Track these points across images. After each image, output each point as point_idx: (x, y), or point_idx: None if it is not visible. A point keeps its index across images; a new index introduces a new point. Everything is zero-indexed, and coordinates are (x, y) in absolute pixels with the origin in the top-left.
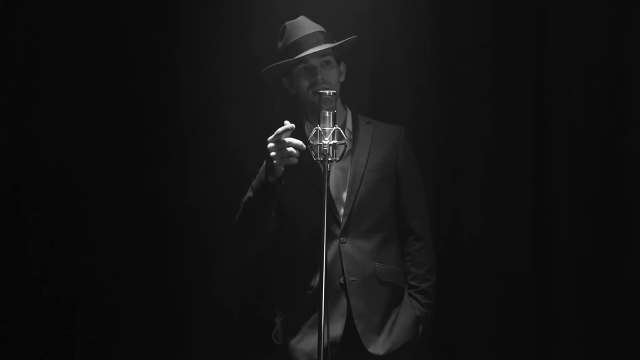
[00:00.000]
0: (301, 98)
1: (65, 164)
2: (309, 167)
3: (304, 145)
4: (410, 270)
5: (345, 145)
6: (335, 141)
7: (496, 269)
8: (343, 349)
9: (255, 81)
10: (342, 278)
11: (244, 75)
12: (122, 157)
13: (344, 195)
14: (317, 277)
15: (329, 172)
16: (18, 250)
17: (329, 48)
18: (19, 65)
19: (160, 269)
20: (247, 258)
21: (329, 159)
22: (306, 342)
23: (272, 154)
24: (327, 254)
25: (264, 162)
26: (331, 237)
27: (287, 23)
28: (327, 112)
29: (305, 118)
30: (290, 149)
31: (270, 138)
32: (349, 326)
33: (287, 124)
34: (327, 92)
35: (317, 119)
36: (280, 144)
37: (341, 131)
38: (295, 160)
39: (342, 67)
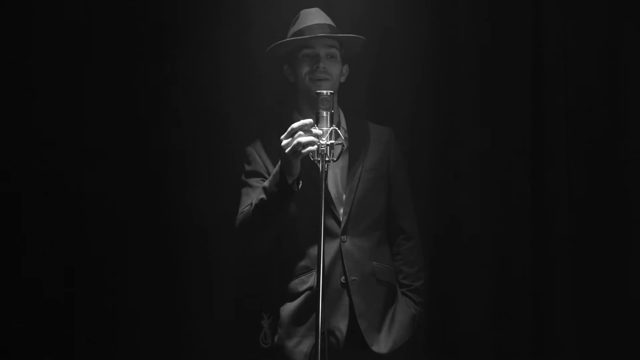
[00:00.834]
0: (298, 84)
1: (64, 164)
2: (309, 166)
3: (319, 133)
4: (402, 269)
5: (343, 145)
6: (332, 141)
7: (494, 269)
8: (347, 349)
9: (255, 81)
10: (343, 277)
11: (243, 76)
12: (122, 157)
13: (344, 194)
14: (313, 278)
15: (327, 171)
16: (18, 251)
17: (336, 41)
18: (18, 65)
19: (159, 270)
20: (252, 260)
21: (327, 158)
22: (305, 344)
23: (287, 149)
24: (327, 253)
25: (278, 163)
26: (331, 236)
27: (302, 10)
28: (325, 112)
29: (297, 111)
30: (304, 139)
31: (283, 135)
32: (352, 326)
33: (305, 120)
34: (324, 92)
35: (315, 118)
36: (294, 136)
37: (338, 131)
38: (312, 148)
39: (346, 68)
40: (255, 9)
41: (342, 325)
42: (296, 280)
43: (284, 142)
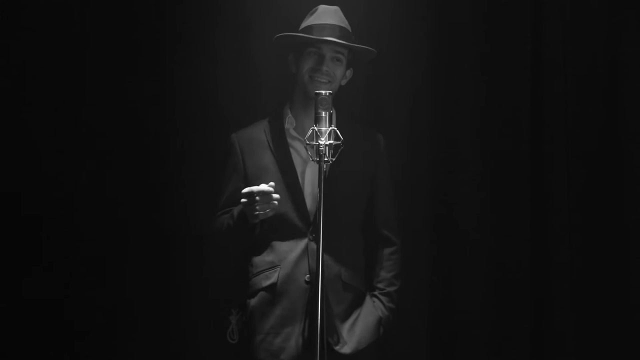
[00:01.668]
0: (298, 77)
1: (64, 165)
2: (285, 163)
3: (277, 199)
4: (379, 273)
5: (341, 145)
6: (331, 141)
7: (493, 269)
8: (307, 348)
9: (256, 81)
10: (307, 276)
11: (245, 75)
12: (121, 158)
13: (316, 195)
14: (278, 275)
15: (295, 173)
16: (17, 251)
17: (346, 47)
18: (17, 65)
19: (158, 270)
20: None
21: (325, 159)
22: (269, 342)
23: (246, 210)
24: (294, 250)
25: (238, 210)
26: (300, 234)
27: (321, 6)
28: (324, 113)
29: (289, 105)
30: (259, 207)
31: (244, 191)
32: (311, 325)
33: (265, 187)
34: (323, 92)
35: (314, 118)
36: (252, 200)
37: (337, 131)
38: (270, 214)
39: (350, 72)
40: (255, 9)
41: (301, 324)
42: (260, 276)
43: (243, 200)
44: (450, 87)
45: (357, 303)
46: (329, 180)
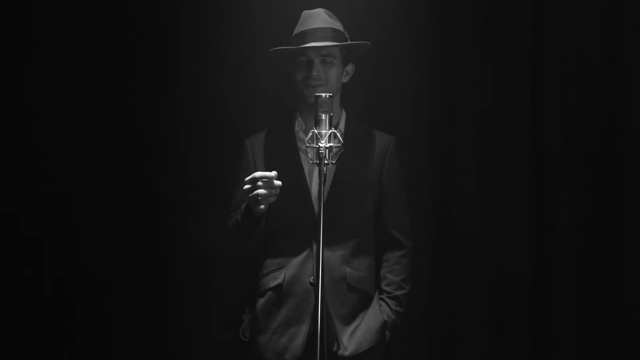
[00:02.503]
0: (295, 88)
1: (63, 166)
2: (294, 166)
3: (279, 186)
4: (387, 276)
5: (341, 148)
6: (331, 144)
7: (493, 270)
8: (309, 348)
9: (256, 83)
10: (312, 277)
11: (245, 77)
12: (120, 159)
13: (325, 195)
14: (284, 276)
15: (326, 174)
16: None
17: (332, 47)
18: (16, 65)
19: (156, 271)
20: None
21: (325, 161)
22: (275, 341)
23: (248, 196)
24: (299, 252)
25: (244, 206)
26: (306, 235)
27: (304, 11)
28: (323, 115)
29: (298, 113)
30: (263, 191)
31: (247, 178)
32: (316, 326)
33: (268, 173)
34: (323, 95)
35: (314, 121)
36: (254, 186)
37: (337, 134)
38: (272, 200)
39: (350, 68)
40: (256, 9)
41: (306, 325)
42: (269, 276)
43: (245, 186)
44: (450, 87)
45: (363, 306)
46: (335, 182)
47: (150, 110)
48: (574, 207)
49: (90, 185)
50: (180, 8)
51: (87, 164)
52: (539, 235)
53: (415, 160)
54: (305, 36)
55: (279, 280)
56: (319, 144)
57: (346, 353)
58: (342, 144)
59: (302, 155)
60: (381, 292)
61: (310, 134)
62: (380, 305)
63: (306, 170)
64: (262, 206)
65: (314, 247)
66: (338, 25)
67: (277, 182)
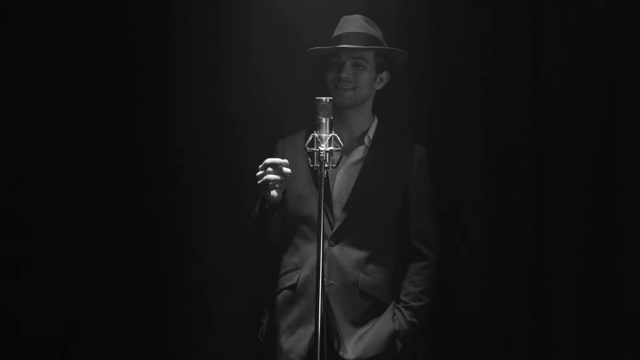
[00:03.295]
0: (327, 87)
1: (62, 174)
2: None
3: (288, 173)
4: (405, 286)
5: (341, 152)
6: (331, 148)
7: (493, 270)
8: (315, 350)
9: (258, 83)
10: (325, 280)
11: (246, 77)
12: (119, 160)
13: (344, 200)
14: (298, 276)
15: (326, 178)
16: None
17: (365, 51)
18: (16, 65)
19: (154, 270)
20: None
21: (325, 165)
22: (285, 341)
23: (259, 182)
24: (313, 253)
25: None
26: (323, 237)
27: (344, 16)
28: (324, 119)
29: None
30: (272, 176)
31: (260, 166)
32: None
33: (279, 159)
34: (323, 99)
35: (314, 124)
36: (264, 172)
37: (337, 138)
38: (279, 186)
39: (385, 75)
40: (256, 11)
41: (313, 326)
42: (285, 276)
43: (258, 173)
44: (450, 87)
45: (376, 313)
46: (357, 186)
47: (151, 116)
48: (574, 207)
49: (89, 193)
50: (180, 10)
51: (85, 171)
52: (539, 235)
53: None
54: (341, 39)
55: (294, 281)
56: (319, 147)
57: (351, 357)
58: (342, 149)
59: (307, 158)
60: (398, 301)
61: (311, 137)
62: (394, 315)
63: (330, 174)
64: (274, 193)
65: (329, 249)
66: (376, 33)
67: (287, 170)
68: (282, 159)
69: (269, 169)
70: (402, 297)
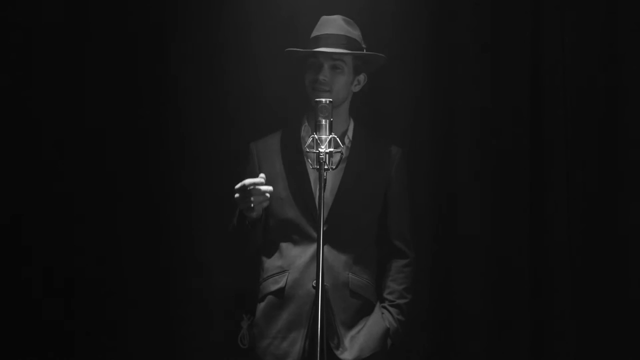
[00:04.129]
0: (304, 90)
1: (62, 172)
2: (299, 170)
3: (270, 190)
4: (389, 284)
5: (342, 153)
6: (331, 149)
7: (493, 271)
8: (310, 353)
9: (257, 82)
10: (314, 282)
11: (245, 76)
12: (119, 160)
13: (330, 201)
14: (286, 280)
15: (325, 179)
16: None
17: (341, 54)
18: (15, 65)
19: (154, 270)
20: (243, 259)
21: (325, 166)
22: (276, 346)
23: (240, 205)
24: (303, 256)
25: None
26: (310, 240)
27: (323, 17)
28: (324, 120)
29: (305, 118)
30: (256, 198)
31: (237, 186)
32: (316, 330)
33: (256, 179)
34: (323, 100)
35: (315, 126)
36: (245, 193)
37: (337, 139)
38: (265, 204)
39: (362, 77)
40: (255, 9)
41: (307, 329)
42: (270, 280)
43: (237, 195)
44: (450, 87)
45: (365, 312)
46: (341, 189)
47: (151, 116)
48: (574, 207)
49: (89, 192)
50: (182, 9)
51: (86, 170)
52: (539, 235)
53: (415, 160)
54: (319, 40)
55: (281, 284)
56: (319, 149)
57: (349, 357)
58: (342, 150)
59: (308, 160)
60: (383, 300)
61: (310, 139)
62: (383, 313)
63: (311, 175)
64: (255, 213)
65: (318, 251)
66: (355, 34)
67: (266, 188)
68: (257, 164)
69: (249, 188)
70: (386, 296)
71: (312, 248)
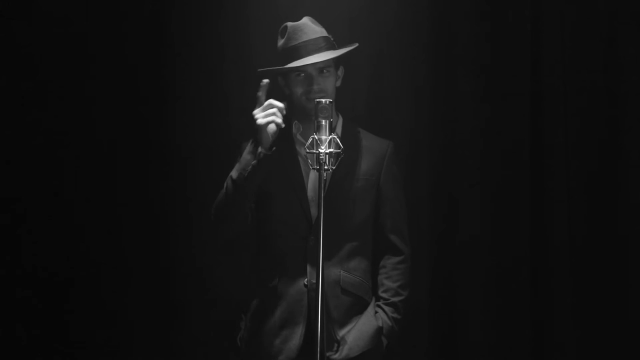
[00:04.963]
0: (294, 101)
1: (62, 175)
2: (290, 166)
3: (284, 108)
4: (383, 282)
5: (341, 153)
6: (331, 150)
7: (493, 271)
8: (303, 350)
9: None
10: (305, 279)
11: (244, 75)
12: (119, 159)
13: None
14: (278, 277)
15: (300, 177)
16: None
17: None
18: (16, 64)
19: (154, 270)
20: (220, 244)
21: (325, 167)
22: (269, 344)
23: (261, 120)
24: (294, 254)
25: (249, 144)
26: (301, 237)
27: (289, 24)
28: (324, 121)
29: (297, 120)
30: (277, 113)
31: (258, 109)
32: (308, 328)
33: (279, 104)
34: (323, 100)
35: (313, 127)
36: (268, 108)
37: (337, 140)
38: (278, 119)
39: (341, 71)
40: (254, 7)
41: (300, 327)
42: (262, 279)
43: (259, 113)
44: (450, 88)
45: (358, 310)
46: (332, 185)
47: (151, 117)
48: (574, 207)
49: (89, 193)
50: (180, 8)
51: (85, 171)
52: (540, 235)
53: (415, 160)
54: (300, 50)
55: (274, 282)
56: (319, 149)
57: (338, 357)
58: (342, 150)
59: (300, 158)
60: (378, 298)
61: (311, 139)
62: (377, 312)
63: (304, 172)
64: (273, 130)
65: (309, 249)
66: (325, 32)
67: (280, 105)
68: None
69: (271, 109)
70: (381, 294)
71: (303, 245)
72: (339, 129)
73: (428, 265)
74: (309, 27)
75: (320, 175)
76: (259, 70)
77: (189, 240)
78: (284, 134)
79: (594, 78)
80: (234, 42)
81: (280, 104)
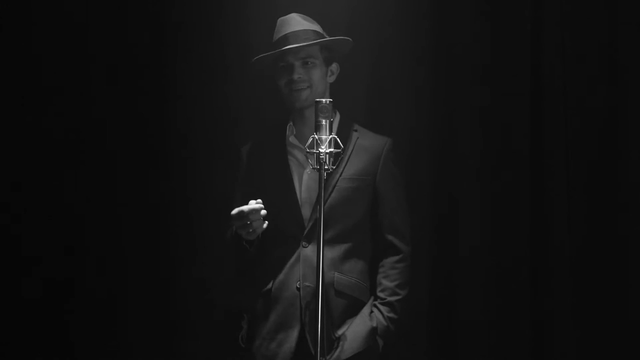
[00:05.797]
0: (281, 92)
1: (62, 181)
2: (281, 170)
3: (265, 215)
4: (381, 282)
5: (341, 153)
6: (331, 149)
7: (493, 272)
8: (297, 354)
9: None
10: (298, 282)
11: (245, 75)
12: (119, 159)
13: (314, 198)
14: (272, 281)
15: (290, 178)
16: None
17: (311, 48)
18: (17, 64)
19: (154, 270)
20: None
21: (325, 167)
22: (265, 347)
23: (240, 231)
24: (288, 256)
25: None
26: (294, 240)
27: (280, 18)
28: (324, 121)
29: (291, 118)
30: (255, 223)
31: (234, 212)
32: (302, 331)
33: (257, 206)
34: (323, 100)
35: (315, 126)
36: (243, 220)
37: (337, 139)
38: (259, 231)
39: (334, 67)
40: (254, 7)
41: (295, 330)
42: (258, 282)
43: (235, 221)
44: (450, 88)
45: (352, 312)
46: (327, 184)
47: (152, 120)
48: (574, 207)
49: (89, 193)
50: (181, 8)
51: (85, 171)
52: (540, 235)
53: (415, 160)
54: (287, 39)
55: (268, 286)
56: (319, 149)
57: (331, 359)
58: (342, 150)
59: (291, 160)
60: (375, 298)
61: (311, 139)
62: (372, 312)
63: (295, 175)
64: (253, 236)
65: (302, 252)
66: (316, 27)
67: (264, 212)
68: (248, 169)
69: (250, 216)
70: (378, 294)
71: (297, 249)
72: (335, 126)
73: (428, 265)
74: (295, 20)
75: (320, 176)
76: (252, 60)
77: (189, 240)
78: (273, 136)
79: (594, 78)
80: (234, 42)
81: (260, 205)
